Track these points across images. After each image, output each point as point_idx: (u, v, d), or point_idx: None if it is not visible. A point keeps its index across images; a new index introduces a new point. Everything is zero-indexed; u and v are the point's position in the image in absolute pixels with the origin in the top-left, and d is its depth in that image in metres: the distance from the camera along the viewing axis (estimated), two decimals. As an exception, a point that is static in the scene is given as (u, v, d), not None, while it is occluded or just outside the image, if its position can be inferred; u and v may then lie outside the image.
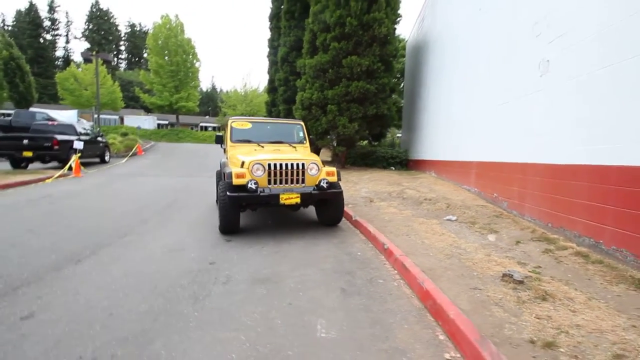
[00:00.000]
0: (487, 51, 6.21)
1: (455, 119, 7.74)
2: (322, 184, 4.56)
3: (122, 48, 69.26)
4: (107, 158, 14.15)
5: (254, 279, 3.08)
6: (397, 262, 3.32)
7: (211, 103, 61.23)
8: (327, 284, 3.00)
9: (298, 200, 4.41)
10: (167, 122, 45.21)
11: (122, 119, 38.41)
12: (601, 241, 3.30)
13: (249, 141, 5.60)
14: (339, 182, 4.84)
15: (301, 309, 2.53)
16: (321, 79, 12.04)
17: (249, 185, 4.25)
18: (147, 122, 36.73)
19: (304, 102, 12.15)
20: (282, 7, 16.31)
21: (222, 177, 4.81)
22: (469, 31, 7.09)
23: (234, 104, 42.87)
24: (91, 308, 2.49)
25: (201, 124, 50.27)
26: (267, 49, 19.36)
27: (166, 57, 30.95)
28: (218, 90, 73.42)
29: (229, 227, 4.48)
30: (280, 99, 15.89)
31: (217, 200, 6.73)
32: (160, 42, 31.09)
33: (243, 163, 4.40)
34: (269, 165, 4.44)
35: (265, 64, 24.20)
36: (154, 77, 31.49)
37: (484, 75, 6.33)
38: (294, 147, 5.70)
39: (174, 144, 25.69)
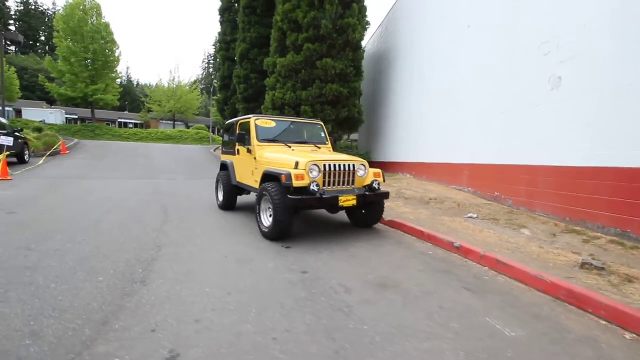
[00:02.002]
0: (480, 64, 6.90)
1: (441, 126, 8.37)
2: (374, 185, 4.54)
3: (13, 29, 57.50)
4: (26, 157, 11.72)
5: (370, 285, 2.94)
6: (485, 259, 3.50)
7: (128, 97, 54.90)
8: (446, 284, 3.02)
9: (355, 202, 4.31)
10: (77, 117, 39.13)
11: (19, 112, 31.94)
12: (629, 230, 3.98)
13: (275, 141, 5.26)
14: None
15: (461, 312, 2.51)
16: (293, 79, 11.84)
17: (312, 187, 4.02)
18: (54, 116, 31.24)
19: (276, 101, 11.81)
20: (238, 1, 15.60)
21: (269, 178, 4.44)
22: (457, 45, 7.76)
23: (160, 99, 39.27)
24: (243, 334, 2.10)
25: (119, 120, 44.75)
26: (218, 44, 18.25)
27: (78, 43, 26.68)
28: (135, 83, 66.33)
29: (284, 232, 4.15)
30: (239, 97, 15.11)
31: (220, 204, 6.16)
32: (71, 25, 26.74)
33: (297, 163, 4.13)
34: (325, 166, 4.26)
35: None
36: (63, 65, 26.89)
37: (477, 87, 7.02)
38: (319, 147, 5.54)
39: (96, 142, 22.37)
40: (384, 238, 4.58)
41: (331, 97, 11.52)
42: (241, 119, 5.83)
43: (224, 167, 6.38)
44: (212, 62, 71.48)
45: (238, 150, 5.74)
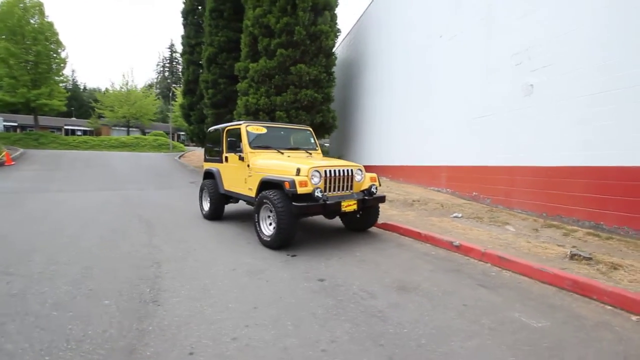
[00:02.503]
0: (454, 72, 7.31)
1: (417, 131, 8.72)
2: (372, 189, 4.61)
3: None
4: (-35, 170, 10.42)
5: (391, 288, 2.98)
6: (486, 256, 3.70)
7: (75, 102, 50.87)
8: (460, 283, 3.14)
9: (355, 206, 4.35)
10: (16, 124, 35.52)
11: (-58, 118, 28.30)
12: (602, 222, 4.42)
13: (267, 147, 5.17)
14: (377, 187, 4.97)
15: (485, 308, 2.62)
16: (267, 84, 11.73)
17: (316, 194, 3.99)
18: (-12, 123, 28.12)
19: (249, 107, 11.60)
20: (204, 4, 15.15)
21: (267, 186, 4.34)
22: (430, 53, 8.17)
23: (113, 104, 36.89)
24: (289, 349, 2.03)
25: (66, 127, 41.31)
26: (182, 47, 17.53)
27: (17, 44, 24.24)
28: (82, 87, 61.75)
29: (288, 240, 4.08)
30: (207, 102, 14.61)
31: (205, 213, 5.92)
32: (9, 24, 24.29)
33: (299, 170, 4.09)
34: (326, 172, 4.26)
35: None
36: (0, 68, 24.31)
37: (452, 93, 7.42)
38: (310, 153, 5.54)
39: (44, 151, 20.45)
40: (384, 241, 4.66)
41: (306, 103, 11.54)
42: (229, 125, 5.66)
43: (209, 175, 6.14)
44: (167, 65, 68.57)
45: (226, 157, 5.55)
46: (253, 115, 11.75)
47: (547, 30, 5.23)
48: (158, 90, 51.32)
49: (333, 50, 12.25)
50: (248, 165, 4.90)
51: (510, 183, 5.88)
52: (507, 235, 4.62)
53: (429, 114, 8.24)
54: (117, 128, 41.69)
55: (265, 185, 4.42)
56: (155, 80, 63.89)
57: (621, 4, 4.33)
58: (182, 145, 35.91)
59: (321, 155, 5.75)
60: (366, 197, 4.50)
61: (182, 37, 17.31)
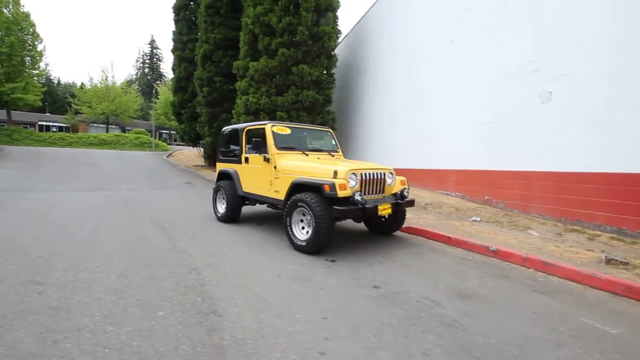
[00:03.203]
0: (464, 78, 7.41)
1: (423, 134, 8.79)
2: (404, 192, 4.57)
3: None
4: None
5: (451, 295, 2.92)
6: (528, 261, 3.72)
7: (49, 97, 48.44)
8: (513, 288, 3.13)
9: (390, 210, 4.29)
10: (-17, 119, 33.36)
11: None
12: (624, 227, 4.56)
13: (291, 148, 5.03)
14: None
15: (555, 314, 2.61)
16: (267, 84, 11.53)
17: (356, 197, 3.90)
18: (-45, 117, 26.25)
19: (250, 106, 11.36)
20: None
21: (300, 188, 4.21)
22: (437, 58, 8.25)
23: (91, 100, 35.36)
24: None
25: (40, 122, 39.25)
26: (173, 43, 16.98)
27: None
28: (56, 82, 58.94)
29: (326, 245, 3.97)
30: (202, 100, 14.19)
31: (220, 216, 5.70)
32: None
33: (336, 172, 3.98)
34: (362, 175, 4.17)
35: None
36: (-31, 58, 22.81)
37: (462, 99, 7.51)
38: (333, 155, 5.44)
39: (20, 148, 19.30)
40: (415, 245, 4.62)
41: (307, 104, 11.42)
42: (249, 125, 5.48)
43: (225, 176, 5.92)
44: (147, 61, 66.50)
45: (246, 158, 5.36)
46: (254, 114, 11.52)
47: (563, 39, 5.37)
48: (137, 87, 49.49)
49: (334, 52, 12.20)
50: (275, 167, 4.74)
51: (526, 188, 5.99)
52: (535, 240, 4.68)
53: (435, 118, 8.31)
54: (95, 125, 39.97)
55: (298, 187, 4.28)
56: (134, 77, 61.72)
57: (630, 18, 4.50)
58: (164, 143, 34.85)
59: (342, 157, 5.66)
60: (399, 201, 4.45)
61: (174, 33, 16.78)
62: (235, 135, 5.83)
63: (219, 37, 13.73)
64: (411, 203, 4.69)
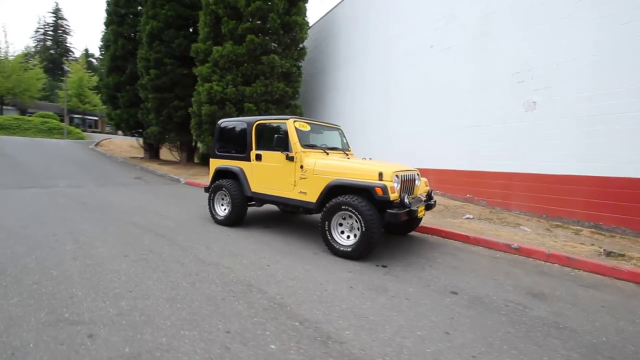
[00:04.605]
0: (449, 83, 7.84)
1: (401, 134, 9.09)
2: (432, 194, 4.63)
3: None
4: None
5: (526, 295, 3.04)
6: (552, 257, 4.09)
7: None
8: (561, 285, 3.39)
9: (424, 212, 4.32)
10: None
11: None
12: (600, 223, 5.32)
13: (312, 146, 4.72)
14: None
15: (627, 309, 2.88)
16: (233, 72, 10.72)
17: (405, 200, 3.82)
18: None
19: (214, 95, 10.45)
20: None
21: (339, 191, 3.97)
22: (420, 62, 8.58)
23: (-24, 75, 28.80)
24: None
25: None
26: (107, 15, 14.63)
27: None
28: None
29: (372, 250, 3.80)
30: (147, 84, 12.53)
31: (221, 218, 5.13)
32: None
33: (382, 174, 3.84)
34: (401, 176, 4.11)
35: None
36: None
37: (441, 102, 7.94)
38: (347, 154, 5.28)
39: None
40: (438, 245, 4.73)
41: (277, 96, 10.94)
42: (261, 119, 4.98)
43: (226, 174, 5.33)
44: (50, 33, 56.57)
45: (258, 155, 4.88)
46: (219, 104, 10.65)
47: (548, 55, 6.00)
48: (39, 63, 41.81)
49: (303, 44, 11.86)
50: (301, 167, 4.39)
51: (508, 187, 6.60)
52: (534, 236, 5.18)
53: (414, 119, 8.65)
54: (-18, 104, 32.66)
55: (337, 189, 4.03)
56: (33, 50, 51.91)
57: (611, 41, 5.25)
58: (78, 130, 30.18)
59: (354, 155, 5.51)
60: (430, 202, 4.51)
61: (108, 3, 14.48)
62: (239, 130, 5.25)
63: (170, 14, 12.28)
64: (434, 204, 4.79)
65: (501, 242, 4.57)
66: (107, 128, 42.97)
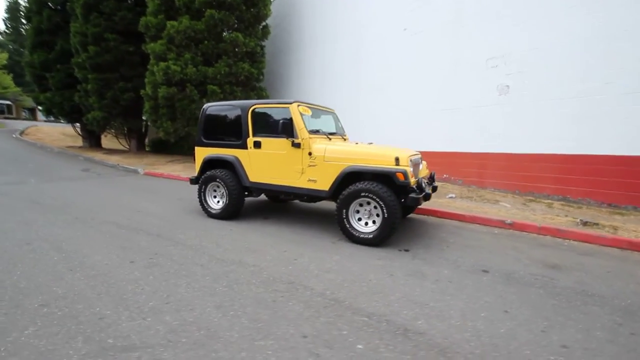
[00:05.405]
0: (423, 67, 8.01)
1: (374, 117, 9.17)
2: (434, 177, 4.75)
3: None
4: None
5: (548, 268, 3.28)
6: (543, 230, 4.49)
7: None
8: (564, 255, 3.74)
9: (431, 195, 4.42)
10: None
11: None
12: (568, 196, 5.96)
13: (315, 132, 4.53)
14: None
15: (626, 273, 3.26)
16: (192, 50, 9.83)
17: (423, 184, 3.86)
18: None
19: (172, 75, 9.53)
20: None
21: (356, 177, 3.89)
22: (393, 45, 8.63)
23: None
24: None
25: None
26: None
27: None
28: None
29: (392, 235, 3.80)
30: (86, 62, 10.95)
31: (216, 212, 4.77)
32: None
33: (398, 159, 3.82)
34: (413, 160, 4.13)
35: None
36: None
37: (417, 86, 8.14)
38: (345, 138, 5.19)
39: None
40: (440, 225, 4.91)
41: (242, 78, 10.31)
42: (259, 103, 4.63)
43: (219, 163, 4.92)
44: None
45: (257, 142, 4.55)
46: (178, 86, 9.73)
47: (521, 41, 6.41)
48: None
49: (267, 22, 11.22)
50: (309, 154, 4.19)
51: (483, 167, 7.06)
52: (515, 211, 5.62)
53: (387, 103, 8.75)
54: None
55: (351, 176, 3.93)
56: None
57: (580, 29, 5.77)
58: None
59: (349, 140, 5.42)
60: (435, 185, 4.63)
61: (26, -36, 12.18)
62: (231, 115, 4.84)
63: (110, -18, 10.74)
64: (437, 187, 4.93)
65: (495, 218, 4.88)
66: (24, 114, 37.31)
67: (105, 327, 2.04)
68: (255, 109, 4.61)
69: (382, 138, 8.52)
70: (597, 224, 4.78)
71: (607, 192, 5.61)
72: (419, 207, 5.49)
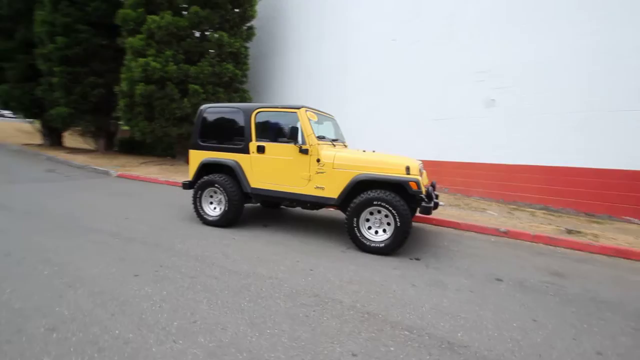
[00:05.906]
0: (414, 78, 8.21)
1: (362, 125, 9.25)
2: (435, 185, 4.83)
3: None
4: None
5: (555, 276, 3.42)
6: (537, 237, 4.70)
7: None
8: (562, 261, 3.93)
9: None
10: None
11: None
12: (549, 205, 6.32)
13: (321, 138, 4.46)
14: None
15: (629, 274, 3.47)
16: (173, 47, 9.41)
17: (432, 194, 3.90)
18: None
19: (151, 73, 9.04)
20: None
21: (366, 185, 3.86)
22: (385, 56, 8.77)
23: None
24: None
25: None
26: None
27: None
28: None
29: (404, 244, 3.80)
30: (54, 55, 10.10)
31: (213, 219, 4.55)
32: None
33: (409, 168, 3.85)
34: (420, 170, 4.18)
35: None
36: None
37: (405, 95, 8.32)
38: (345, 145, 5.17)
39: None
40: (438, 233, 5.00)
41: (226, 79, 10.01)
42: (263, 107, 4.47)
43: (217, 168, 4.67)
44: None
45: (260, 147, 4.38)
46: (157, 84, 9.26)
47: (506, 57, 6.75)
48: None
49: (252, 23, 10.99)
50: (318, 160, 4.10)
51: (468, 176, 7.32)
52: (503, 219, 5.87)
53: (377, 112, 8.87)
54: None
55: (361, 185, 3.89)
56: None
57: (563, 47, 6.19)
58: None
59: (348, 146, 5.40)
60: (436, 193, 4.70)
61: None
62: (232, 118, 4.64)
63: (83, -29, 10.04)
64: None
65: (489, 227, 5.05)
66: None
67: (134, 353, 1.82)
68: (259, 112, 4.45)
69: (368, 144, 8.61)
70: (580, 232, 5.09)
71: (584, 202, 6.02)
72: (417, 215, 5.60)
